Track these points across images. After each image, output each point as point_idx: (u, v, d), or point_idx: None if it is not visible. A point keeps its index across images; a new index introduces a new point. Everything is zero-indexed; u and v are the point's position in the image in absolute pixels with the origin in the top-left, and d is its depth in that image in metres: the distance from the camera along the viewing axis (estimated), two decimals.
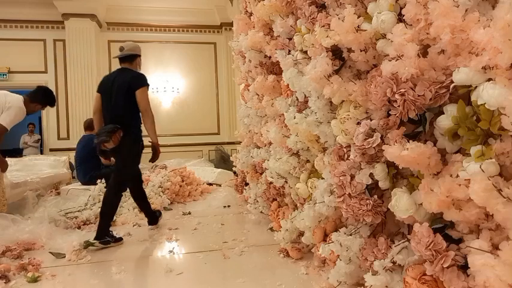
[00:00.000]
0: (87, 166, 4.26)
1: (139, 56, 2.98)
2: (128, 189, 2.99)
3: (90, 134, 4.55)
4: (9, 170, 3.19)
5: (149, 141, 2.78)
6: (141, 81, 2.73)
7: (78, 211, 3.30)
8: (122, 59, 2.91)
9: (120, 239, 2.62)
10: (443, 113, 1.05)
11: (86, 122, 4.69)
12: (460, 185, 0.97)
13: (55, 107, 6.94)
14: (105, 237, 2.51)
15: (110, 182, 2.75)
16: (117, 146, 2.58)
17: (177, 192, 4.35)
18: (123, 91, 2.68)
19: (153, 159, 2.81)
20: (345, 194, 1.37)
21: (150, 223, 3.06)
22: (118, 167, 2.73)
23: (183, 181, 4.45)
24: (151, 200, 3.87)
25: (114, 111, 2.69)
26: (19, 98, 2.90)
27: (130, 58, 2.89)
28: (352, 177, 1.37)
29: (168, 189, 4.18)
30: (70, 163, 5.73)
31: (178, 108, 7.57)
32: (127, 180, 2.80)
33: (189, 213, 3.61)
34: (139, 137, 2.77)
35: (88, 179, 4.11)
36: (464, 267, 1.00)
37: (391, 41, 1.16)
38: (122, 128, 2.60)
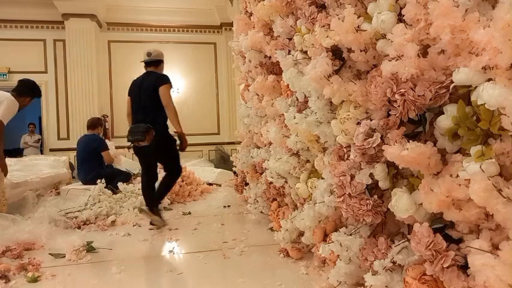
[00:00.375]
0: (88, 165, 4.28)
1: (163, 61, 3.28)
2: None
3: (92, 133, 4.57)
4: (9, 170, 3.20)
5: (174, 131, 3.09)
6: (164, 80, 3.04)
7: (78, 211, 3.30)
8: (149, 63, 3.14)
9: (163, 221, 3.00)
10: (443, 113, 1.05)
11: (89, 121, 4.73)
12: (460, 185, 0.97)
13: (55, 106, 7.05)
14: (154, 208, 2.94)
15: (167, 171, 3.15)
16: (151, 144, 2.88)
17: (177, 192, 4.35)
18: (150, 92, 2.97)
19: (182, 147, 3.09)
20: (345, 194, 1.37)
21: (140, 210, 3.11)
22: (169, 164, 3.14)
23: (183, 181, 4.45)
24: None
25: (144, 111, 2.97)
26: (8, 93, 2.95)
27: (156, 63, 3.17)
28: (352, 177, 1.37)
29: None
30: (70, 163, 5.74)
31: (178, 108, 7.50)
32: (180, 169, 3.23)
33: (189, 213, 3.60)
34: (168, 132, 3.10)
35: (90, 178, 4.09)
36: (464, 267, 1.00)
37: (391, 41, 1.16)
38: (153, 127, 2.89)
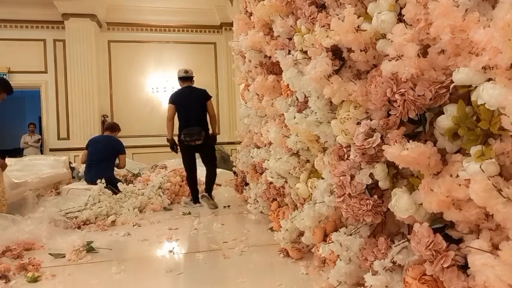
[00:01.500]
0: (103, 165, 4.25)
1: None
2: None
3: (110, 135, 4.59)
4: (10, 170, 3.20)
5: (211, 133, 4.02)
6: (210, 95, 4.04)
7: (78, 211, 3.30)
8: (187, 79, 4.02)
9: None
10: (443, 113, 1.05)
11: (109, 124, 5.01)
12: (460, 185, 0.97)
13: (55, 106, 7.05)
14: (210, 196, 3.89)
15: (209, 164, 4.03)
16: (203, 142, 3.78)
17: (177, 193, 4.35)
18: (199, 102, 3.89)
19: (214, 143, 4.10)
20: (345, 194, 1.37)
21: (201, 197, 3.92)
22: (210, 155, 4.05)
23: (182, 181, 4.45)
24: (151, 200, 3.88)
25: (195, 117, 3.81)
26: None
27: (192, 79, 4.08)
28: (352, 177, 1.37)
29: (167, 189, 4.18)
30: (70, 163, 5.73)
31: None
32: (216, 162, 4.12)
33: (189, 213, 3.60)
34: (209, 132, 3.95)
35: (97, 179, 3.92)
36: (464, 267, 1.00)
37: (391, 41, 1.16)
38: (203, 129, 3.79)
